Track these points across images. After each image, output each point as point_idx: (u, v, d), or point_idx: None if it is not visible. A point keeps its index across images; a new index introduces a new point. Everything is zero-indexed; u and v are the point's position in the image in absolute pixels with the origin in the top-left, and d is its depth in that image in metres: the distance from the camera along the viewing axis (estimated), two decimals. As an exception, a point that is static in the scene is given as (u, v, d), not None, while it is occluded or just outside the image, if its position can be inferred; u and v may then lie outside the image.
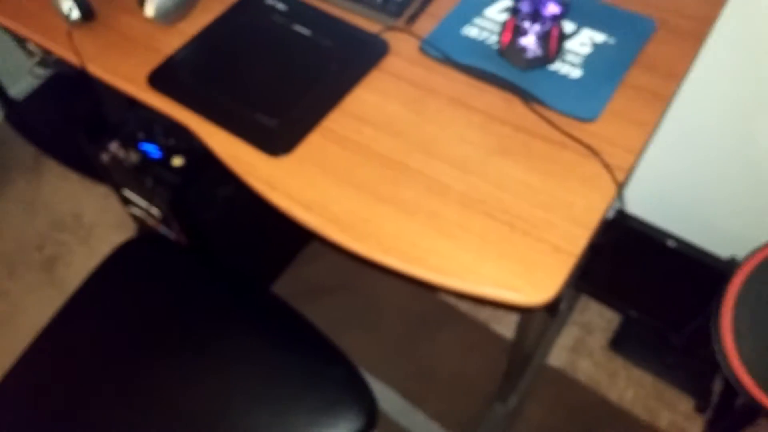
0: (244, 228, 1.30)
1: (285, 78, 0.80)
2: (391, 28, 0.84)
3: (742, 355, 0.74)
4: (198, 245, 1.18)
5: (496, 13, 0.85)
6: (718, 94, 1.06)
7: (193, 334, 0.90)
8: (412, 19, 0.85)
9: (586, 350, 1.33)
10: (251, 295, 0.97)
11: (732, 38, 0.97)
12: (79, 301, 0.98)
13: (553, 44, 0.77)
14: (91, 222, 1.72)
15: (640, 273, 1.25)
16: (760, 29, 0.94)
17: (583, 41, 0.81)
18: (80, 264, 1.64)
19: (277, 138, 0.74)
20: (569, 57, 0.79)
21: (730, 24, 0.95)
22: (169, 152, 1.04)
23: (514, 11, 0.79)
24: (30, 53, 1.82)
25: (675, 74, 0.77)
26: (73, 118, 1.73)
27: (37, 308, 1.57)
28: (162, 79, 0.81)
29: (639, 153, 0.70)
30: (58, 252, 1.67)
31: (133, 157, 1.05)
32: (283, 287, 1.51)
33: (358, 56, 0.81)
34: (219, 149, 0.74)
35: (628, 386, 1.27)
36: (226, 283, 0.97)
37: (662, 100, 0.74)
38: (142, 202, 1.15)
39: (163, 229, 1.18)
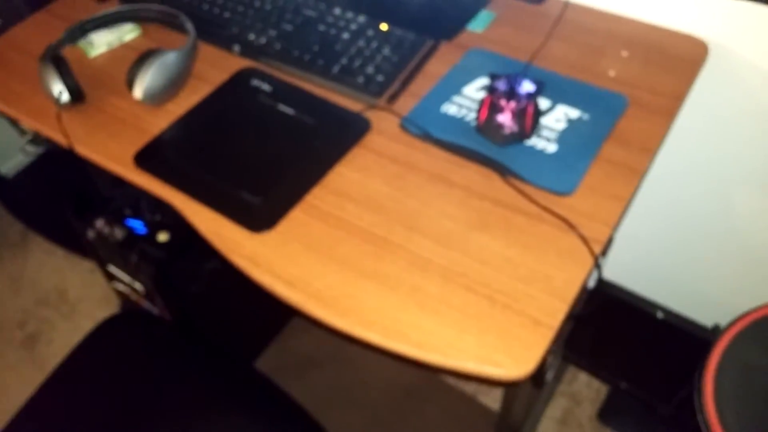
0: (228, 303, 1.30)
1: (269, 156, 0.81)
2: (372, 107, 0.87)
3: (725, 425, 0.73)
4: (182, 321, 1.17)
5: (474, 92, 0.88)
6: (693, 164, 1.09)
7: (176, 413, 0.89)
8: (393, 98, 0.88)
9: (575, 422, 1.31)
10: (235, 372, 0.96)
11: (705, 112, 1.01)
12: (58, 379, 0.96)
13: (528, 121, 0.80)
14: (75, 297, 1.71)
15: (626, 343, 1.25)
16: (731, 105, 0.98)
17: (558, 117, 0.83)
18: (62, 341, 1.62)
19: (261, 215, 0.75)
20: (545, 132, 0.82)
21: (702, 98, 0.99)
22: (154, 228, 1.05)
23: (491, 89, 0.82)
24: (22, 131, 1.85)
25: (648, 149, 0.79)
26: (61, 195, 1.74)
27: (17, 386, 1.53)
28: (148, 158, 0.82)
29: (615, 226, 0.71)
30: (40, 329, 1.65)
31: (119, 233, 1.06)
32: (268, 361, 1.49)
33: (341, 134, 0.84)
34: (203, 227, 0.75)
35: None
36: (210, 359, 0.96)
37: (636, 174, 0.76)
38: (127, 278, 1.15)
39: (146, 305, 1.18)
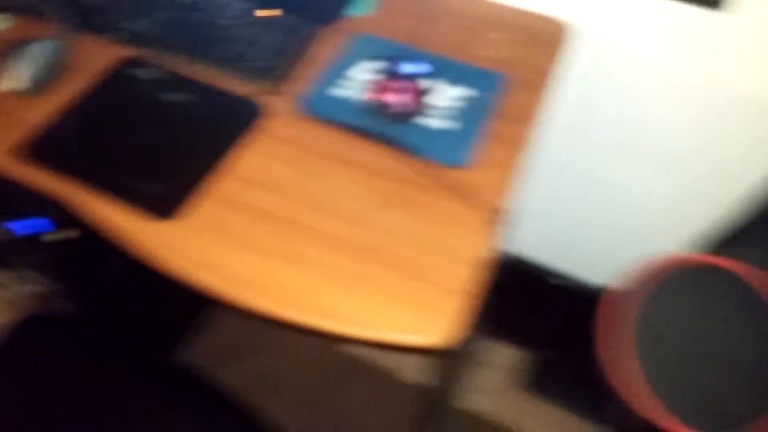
0: (143, 295, 1.25)
1: (161, 144, 0.80)
2: (264, 91, 0.87)
3: (634, 377, 0.81)
4: (95, 318, 1.11)
5: (361, 74, 0.91)
6: (579, 139, 1.19)
7: (96, 412, 0.85)
8: (282, 81, 0.89)
9: (495, 390, 1.37)
10: (155, 365, 0.94)
11: (582, 87, 1.10)
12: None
13: (414, 99, 0.84)
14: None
15: (542, 311, 1.31)
16: (598, 80, 1.08)
17: (441, 95, 0.88)
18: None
19: (160, 203, 0.73)
20: (432, 110, 0.86)
21: (577, 75, 1.08)
22: (60, 225, 0.98)
23: (377, 71, 0.85)
24: None
25: (527, 119, 0.86)
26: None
27: None
28: (37, 152, 0.78)
29: (508, 193, 0.77)
30: None
31: (19, 233, 0.98)
32: (192, 353, 1.45)
33: (230, 118, 0.84)
34: (99, 219, 0.73)
35: (541, 422, 1.32)
36: (127, 354, 0.92)
37: (521, 143, 0.83)
38: (35, 278, 1.07)
39: (57, 305, 1.11)
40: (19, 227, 0.91)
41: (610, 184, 1.23)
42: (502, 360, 1.43)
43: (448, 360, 1.09)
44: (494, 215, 0.75)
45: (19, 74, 0.80)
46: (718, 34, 0.93)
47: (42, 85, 0.84)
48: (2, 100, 0.83)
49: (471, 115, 0.86)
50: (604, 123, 1.14)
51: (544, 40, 0.97)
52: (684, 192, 1.16)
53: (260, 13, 0.95)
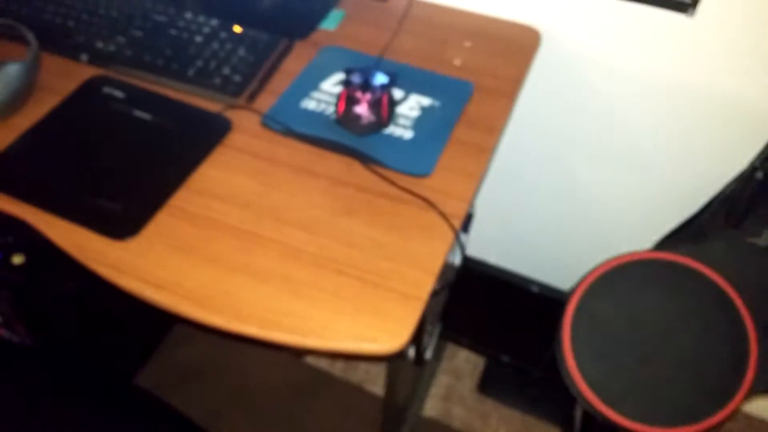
0: (98, 320, 1.24)
1: (127, 162, 0.79)
2: (232, 107, 0.88)
3: (585, 376, 0.81)
4: (48, 345, 1.11)
5: (331, 86, 0.91)
6: (539, 142, 1.19)
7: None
8: (252, 97, 0.89)
9: (457, 396, 1.38)
10: (112, 392, 0.93)
11: (544, 92, 1.10)
12: None
13: (384, 110, 0.84)
14: None
15: (498, 316, 1.33)
16: (564, 85, 1.08)
17: (411, 105, 0.88)
18: None
19: (122, 222, 0.73)
20: (401, 120, 0.86)
21: (541, 80, 1.08)
22: (7, 251, 0.98)
23: (347, 83, 0.85)
24: None
25: (494, 128, 0.86)
26: None
27: None
28: (-7, 174, 0.78)
29: (470, 201, 0.77)
30: None
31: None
32: (150, 376, 1.44)
33: (201, 135, 0.83)
34: (61, 240, 0.72)
35: (500, 426, 1.33)
36: (82, 381, 0.92)
37: (486, 152, 0.82)
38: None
39: (5, 333, 1.10)
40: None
41: (578, 188, 1.22)
42: (460, 364, 1.43)
43: (408, 366, 1.07)
44: (456, 222, 0.74)
45: (-14, 96, 0.80)
46: (686, 37, 0.92)
47: (10, 107, 0.84)
48: (-29, 123, 0.84)
49: (439, 124, 0.86)
50: (572, 126, 1.13)
51: (515, 48, 0.97)
52: (655, 193, 1.15)
53: (237, 29, 0.95)
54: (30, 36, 0.88)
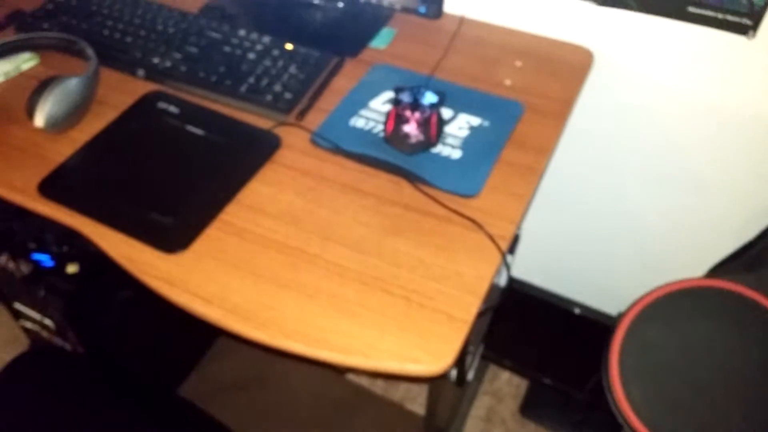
0: (146, 331, 1.26)
1: (180, 177, 0.81)
2: (282, 124, 0.89)
3: (632, 403, 0.79)
4: (97, 354, 1.13)
5: (380, 104, 0.91)
6: (588, 163, 1.17)
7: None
8: (302, 114, 0.90)
9: (498, 418, 1.36)
10: (157, 402, 0.94)
11: (595, 113, 1.08)
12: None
13: (433, 129, 0.84)
14: (-22, 342, 1.61)
15: (542, 338, 1.30)
16: (617, 106, 1.06)
17: (460, 125, 0.88)
18: (-33, 390, 1.51)
19: (173, 236, 0.74)
20: (449, 140, 0.86)
21: (592, 101, 1.06)
22: (62, 260, 1.01)
23: (396, 102, 0.85)
24: None
25: (545, 149, 0.85)
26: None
27: None
28: (53, 187, 0.80)
29: (518, 223, 0.76)
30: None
31: (24, 268, 1.02)
32: (193, 387, 1.46)
33: (251, 151, 0.84)
34: (114, 252, 0.74)
35: None
36: (130, 391, 0.93)
37: (535, 174, 0.81)
38: (35, 314, 1.10)
39: (58, 341, 1.13)
40: (43, 259, 0.95)
41: (627, 210, 1.20)
42: (501, 386, 1.40)
43: (450, 386, 1.06)
44: (503, 243, 0.73)
45: (48, 111, 0.83)
46: (746, 59, 0.90)
47: (70, 121, 0.87)
48: (32, 137, 0.87)
49: (489, 144, 0.85)
50: (623, 148, 1.11)
51: (567, 68, 0.96)
52: (709, 218, 1.12)
53: (288, 46, 0.97)
54: (90, 51, 0.91)
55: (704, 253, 1.15)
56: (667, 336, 0.83)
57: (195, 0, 1.11)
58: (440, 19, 1.05)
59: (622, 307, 1.27)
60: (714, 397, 0.80)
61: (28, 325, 1.16)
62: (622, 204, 1.19)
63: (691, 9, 0.88)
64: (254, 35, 0.99)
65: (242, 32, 0.99)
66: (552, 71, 0.96)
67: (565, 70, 0.96)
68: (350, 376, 1.45)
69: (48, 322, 1.08)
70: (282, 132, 0.87)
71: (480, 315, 0.69)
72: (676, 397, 0.80)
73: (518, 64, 0.97)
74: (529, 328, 1.33)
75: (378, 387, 1.43)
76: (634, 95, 1.03)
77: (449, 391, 1.08)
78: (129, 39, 1.00)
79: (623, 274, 1.28)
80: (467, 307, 0.67)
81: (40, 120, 0.83)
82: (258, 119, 0.90)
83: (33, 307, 1.08)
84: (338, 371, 1.46)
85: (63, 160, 0.83)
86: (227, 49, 0.97)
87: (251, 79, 0.92)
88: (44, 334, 1.14)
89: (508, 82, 0.94)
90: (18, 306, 1.12)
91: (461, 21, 1.05)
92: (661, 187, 1.12)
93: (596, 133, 1.12)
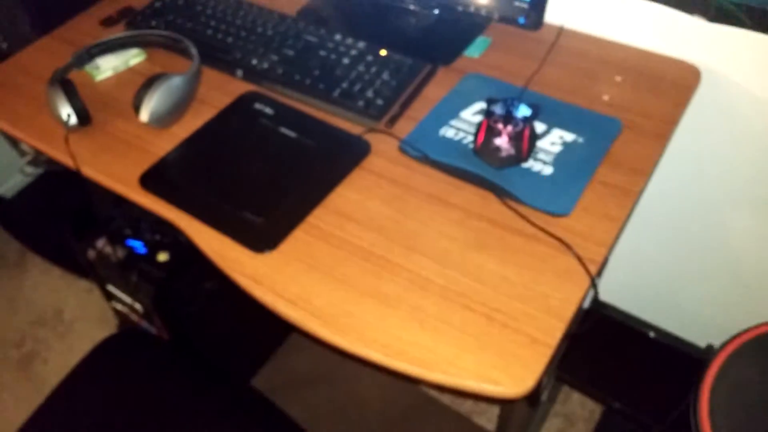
0: (226, 322, 1.30)
1: (271, 178, 0.83)
2: (372, 130, 0.89)
3: (722, 444, 0.75)
4: (180, 340, 1.18)
5: (471, 115, 0.90)
6: (686, 186, 1.11)
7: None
8: (393, 121, 0.90)
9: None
10: (232, 391, 0.97)
11: (697, 134, 1.03)
12: (57, 399, 0.96)
13: (525, 144, 0.82)
14: (71, 317, 1.71)
15: (620, 363, 1.25)
16: (723, 128, 1.00)
17: (553, 140, 0.85)
18: (58, 361, 1.61)
19: (263, 235, 0.76)
20: (541, 155, 0.84)
21: (695, 122, 1.01)
22: (154, 248, 1.06)
23: (488, 113, 0.84)
24: (22, 152, 1.87)
25: (642, 171, 0.81)
26: (59, 215, 1.75)
27: (14, 406, 1.53)
28: (153, 180, 0.84)
29: (610, 246, 0.73)
30: (36, 349, 1.65)
31: (120, 253, 1.07)
32: (265, 380, 1.49)
33: (341, 156, 0.85)
34: (205, 246, 0.76)
35: None
36: (208, 378, 0.96)
37: (631, 196, 0.78)
38: (126, 298, 1.15)
39: (145, 324, 1.18)
40: (137, 246, 0.99)
41: (727, 237, 1.13)
42: (574, 408, 1.36)
43: (522, 406, 1.03)
44: (593, 267, 0.70)
45: (153, 108, 0.87)
46: None
47: (172, 117, 0.91)
48: (137, 131, 0.91)
49: (582, 162, 0.82)
50: (726, 171, 1.05)
51: (671, 85, 0.92)
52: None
53: (382, 52, 0.97)
54: (193, 50, 0.94)
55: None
56: (762, 377, 0.78)
57: (293, 2, 1.13)
58: (538, 31, 1.03)
59: (710, 339, 1.21)
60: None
61: (119, 307, 1.22)
62: (721, 230, 1.12)
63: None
64: (350, 40, 1.00)
65: (338, 37, 1.01)
66: (654, 88, 0.92)
67: (668, 87, 0.92)
68: (420, 385, 1.45)
69: (138, 306, 1.14)
70: (371, 138, 0.88)
71: (563, 339, 0.67)
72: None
73: (618, 79, 0.94)
74: (607, 351, 1.28)
75: (446, 398, 1.42)
76: (742, 117, 0.97)
77: (521, 411, 1.06)
78: (230, 39, 1.03)
79: (713, 303, 1.22)
80: (552, 330, 0.65)
81: (145, 115, 0.87)
82: (349, 124, 0.90)
83: (125, 290, 1.14)
84: (410, 380, 1.46)
85: (163, 154, 0.87)
86: (323, 53, 0.99)
87: (344, 84, 0.93)
88: (133, 317, 1.19)
89: (606, 97, 0.91)
90: (111, 288, 1.18)
91: (560, 31, 1.02)
92: (765, 214, 1.06)
93: (696, 154, 1.06)
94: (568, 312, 0.67)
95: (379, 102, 0.91)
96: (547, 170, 0.82)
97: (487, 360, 0.64)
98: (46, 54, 1.07)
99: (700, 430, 0.76)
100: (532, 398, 0.94)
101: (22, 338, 1.66)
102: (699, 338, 1.26)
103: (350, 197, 0.81)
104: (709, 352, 1.06)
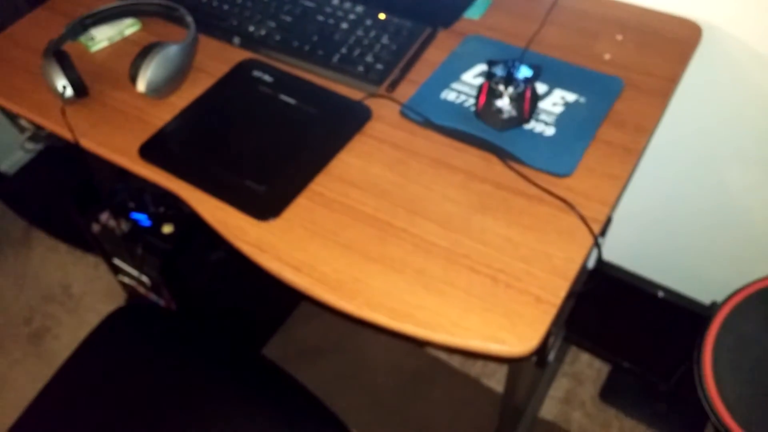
0: (234, 292, 1.31)
1: (272, 145, 0.83)
2: (373, 95, 0.88)
3: (725, 398, 0.75)
4: (188, 311, 1.19)
5: (472, 78, 0.89)
6: (688, 143, 1.11)
7: (186, 403, 0.90)
8: (393, 85, 0.90)
9: (577, 401, 1.34)
10: (242, 360, 0.98)
11: (699, 92, 1.02)
12: (67, 373, 0.98)
13: (526, 105, 0.81)
14: (79, 292, 1.72)
15: (626, 322, 1.27)
16: (725, 85, 1.00)
17: (555, 101, 0.85)
18: (68, 335, 1.63)
19: (265, 203, 0.76)
20: (543, 116, 0.83)
21: (696, 79, 1.00)
22: (158, 220, 1.06)
23: (489, 75, 0.83)
24: (21, 128, 1.86)
25: (644, 129, 0.81)
26: (62, 191, 1.75)
27: (25, 381, 1.55)
28: (153, 150, 0.84)
29: (613, 205, 0.73)
30: (45, 324, 1.66)
31: (124, 226, 1.07)
32: (275, 349, 1.51)
33: (343, 122, 0.85)
34: (209, 216, 0.77)
35: None
36: (218, 349, 0.97)
37: (633, 155, 0.78)
38: (133, 271, 1.16)
39: (153, 297, 1.19)
40: (141, 219, 0.99)
41: (729, 194, 1.13)
42: (582, 368, 1.37)
43: (530, 366, 1.04)
44: (596, 226, 0.70)
45: (150, 77, 0.86)
46: None
47: (170, 87, 0.90)
48: (134, 101, 0.91)
49: (584, 122, 0.82)
50: (728, 129, 1.04)
51: (672, 43, 0.91)
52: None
53: (381, 16, 0.96)
54: (189, 18, 0.93)
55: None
56: (765, 330, 0.79)
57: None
58: (538, -11, 1.01)
59: (715, 296, 1.22)
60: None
61: (126, 280, 1.22)
62: (723, 188, 1.12)
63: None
64: (348, 4, 0.99)
65: (336, 1, 0.99)
66: (655, 46, 0.91)
67: (670, 45, 0.91)
68: (428, 348, 1.46)
69: (145, 278, 1.14)
70: (372, 103, 0.87)
71: (567, 298, 0.68)
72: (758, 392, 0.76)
73: (619, 37, 0.93)
74: (613, 311, 1.30)
75: (455, 361, 1.44)
76: (744, 74, 0.96)
77: (529, 371, 1.07)
78: (226, 6, 1.02)
79: (717, 261, 1.22)
80: (555, 289, 0.66)
81: (142, 85, 0.87)
82: (349, 90, 0.90)
83: (131, 263, 1.14)
84: (417, 343, 1.47)
85: (162, 124, 0.87)
86: (320, 18, 0.98)
87: (343, 50, 0.93)
88: (140, 289, 1.20)
89: (607, 56, 0.90)
90: (117, 262, 1.19)
91: (560, -9, 1.01)
92: (766, 170, 1.06)
93: (698, 112, 1.06)
94: (572, 271, 0.67)
95: (379, 66, 0.90)
96: (549, 131, 0.81)
97: (492, 320, 0.64)
98: (40, 26, 1.06)
99: (705, 386, 0.77)
100: (540, 358, 0.95)
101: (32, 315, 1.68)
102: (704, 296, 1.27)
103: (353, 163, 0.80)
104: (713, 308, 1.07)
